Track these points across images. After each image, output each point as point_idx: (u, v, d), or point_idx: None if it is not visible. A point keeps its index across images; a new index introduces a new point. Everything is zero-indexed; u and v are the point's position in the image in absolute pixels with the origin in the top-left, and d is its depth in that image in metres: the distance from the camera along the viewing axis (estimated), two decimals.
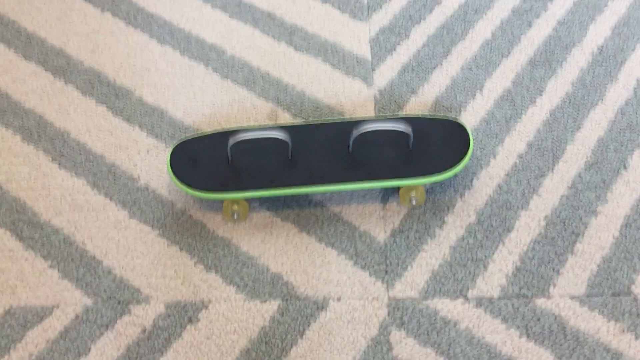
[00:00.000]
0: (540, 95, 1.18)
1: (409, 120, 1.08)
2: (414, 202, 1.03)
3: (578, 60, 1.23)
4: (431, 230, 1.03)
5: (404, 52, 1.25)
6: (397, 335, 0.93)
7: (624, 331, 0.93)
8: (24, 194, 1.07)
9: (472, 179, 1.08)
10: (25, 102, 1.19)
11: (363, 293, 0.97)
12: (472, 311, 0.95)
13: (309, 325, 0.94)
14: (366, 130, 1.01)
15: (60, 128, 1.15)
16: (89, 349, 0.93)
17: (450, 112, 1.16)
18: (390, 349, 0.92)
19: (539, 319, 0.94)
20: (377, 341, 0.93)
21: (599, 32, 1.28)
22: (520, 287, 0.97)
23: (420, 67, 1.23)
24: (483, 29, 1.29)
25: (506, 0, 1.33)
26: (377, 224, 1.03)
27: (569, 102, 1.17)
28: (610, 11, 1.31)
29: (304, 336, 0.93)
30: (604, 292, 0.96)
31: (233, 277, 0.98)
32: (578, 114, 1.16)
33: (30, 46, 1.27)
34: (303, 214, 1.05)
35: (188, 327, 0.94)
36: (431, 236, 1.02)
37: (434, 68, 1.23)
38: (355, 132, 1.01)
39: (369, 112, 1.17)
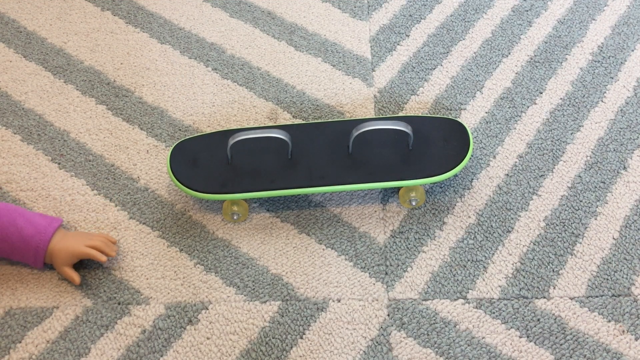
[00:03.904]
0: (540, 95, 1.18)
1: (409, 120, 1.08)
2: (413, 203, 1.03)
3: (578, 59, 1.23)
4: (431, 232, 1.03)
5: (404, 51, 1.25)
6: (397, 336, 0.93)
7: (624, 332, 0.93)
8: (24, 195, 1.07)
9: (472, 180, 1.08)
10: (25, 102, 1.19)
11: (363, 294, 0.97)
12: (472, 312, 0.95)
13: (309, 326, 0.94)
14: (366, 130, 1.01)
15: (60, 128, 1.15)
16: (89, 350, 0.93)
17: (450, 112, 1.16)
18: (390, 349, 0.92)
19: (539, 320, 0.94)
20: (377, 342, 0.93)
21: (599, 31, 1.28)
22: (520, 288, 0.97)
23: (420, 67, 1.23)
24: (483, 28, 1.29)
25: None
26: (377, 225, 1.03)
27: (569, 102, 1.17)
28: (610, 10, 1.31)
29: (304, 337, 0.94)
30: (604, 293, 0.96)
31: (233, 278, 0.98)
32: (578, 114, 1.16)
33: (30, 45, 1.27)
34: (303, 215, 1.05)
35: (188, 328, 0.94)
36: (431, 237, 1.02)
37: (434, 67, 1.23)
38: (355, 132, 1.01)
39: (369, 112, 1.17)
